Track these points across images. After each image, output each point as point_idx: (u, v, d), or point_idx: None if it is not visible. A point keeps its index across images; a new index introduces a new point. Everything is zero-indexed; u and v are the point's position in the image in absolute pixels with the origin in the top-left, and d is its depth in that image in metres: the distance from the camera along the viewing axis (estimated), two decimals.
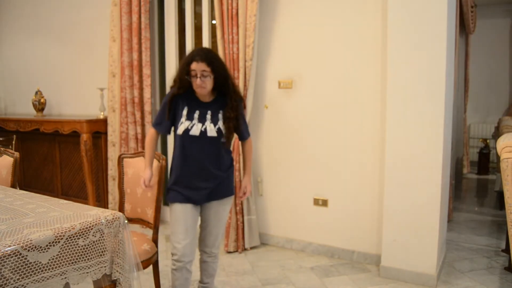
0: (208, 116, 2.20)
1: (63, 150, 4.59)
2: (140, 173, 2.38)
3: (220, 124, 2.21)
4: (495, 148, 2.18)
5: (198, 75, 2.11)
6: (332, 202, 3.25)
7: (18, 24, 5.30)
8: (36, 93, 4.83)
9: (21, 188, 2.44)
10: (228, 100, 2.23)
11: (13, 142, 4.82)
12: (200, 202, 2.27)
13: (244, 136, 2.35)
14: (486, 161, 6.52)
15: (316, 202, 3.33)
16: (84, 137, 3.99)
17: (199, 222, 2.35)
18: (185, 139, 2.20)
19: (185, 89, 2.21)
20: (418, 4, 2.65)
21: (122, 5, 3.90)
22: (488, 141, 6.48)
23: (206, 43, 3.74)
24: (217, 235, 2.36)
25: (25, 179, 5.04)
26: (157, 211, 2.38)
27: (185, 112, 2.20)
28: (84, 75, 4.66)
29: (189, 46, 3.87)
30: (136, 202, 2.49)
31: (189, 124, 2.19)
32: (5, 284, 1.30)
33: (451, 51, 2.96)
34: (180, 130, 2.20)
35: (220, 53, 3.33)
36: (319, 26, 3.18)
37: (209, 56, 2.16)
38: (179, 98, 2.23)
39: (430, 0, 2.61)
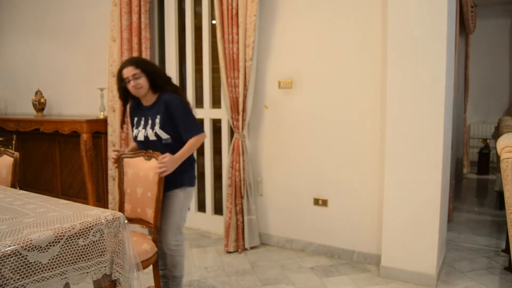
0: (149, 121, 2.42)
1: (63, 150, 4.59)
2: (140, 173, 2.39)
3: (157, 128, 2.38)
4: (495, 148, 2.18)
5: (130, 79, 2.34)
6: (332, 202, 3.26)
7: (18, 24, 5.30)
8: (36, 93, 4.83)
9: (21, 188, 2.44)
10: (165, 104, 2.40)
11: (13, 142, 4.82)
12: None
13: (184, 137, 2.40)
14: (486, 161, 6.52)
15: (316, 202, 3.33)
16: (84, 137, 3.99)
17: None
18: (137, 144, 2.51)
19: (126, 99, 2.47)
20: (418, 4, 2.65)
21: (122, 5, 3.90)
22: (488, 141, 6.48)
23: (206, 43, 3.74)
24: (167, 227, 2.42)
25: (25, 179, 5.04)
26: (157, 211, 2.37)
27: (134, 121, 2.50)
28: (84, 75, 4.66)
29: (189, 46, 3.87)
30: (136, 202, 2.48)
31: (136, 132, 2.47)
32: (5, 284, 1.30)
33: (451, 51, 2.96)
34: (133, 137, 2.50)
35: (220, 53, 3.34)
36: (319, 26, 3.18)
37: (135, 60, 2.43)
38: (132, 110, 2.55)
39: (430, 0, 2.61)
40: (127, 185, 2.52)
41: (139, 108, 2.50)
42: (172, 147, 2.38)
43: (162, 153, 2.31)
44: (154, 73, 2.41)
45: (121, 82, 2.39)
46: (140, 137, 2.44)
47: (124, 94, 2.44)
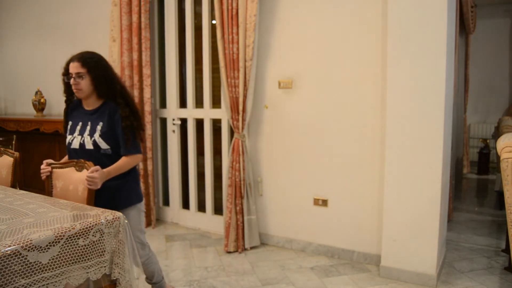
0: (87, 127, 2.15)
1: (63, 150, 4.55)
2: (69, 186, 2.20)
3: (96, 136, 2.12)
4: (495, 148, 2.18)
5: (73, 76, 2.09)
6: (332, 202, 3.25)
7: (18, 24, 5.30)
8: (36, 93, 4.83)
9: (21, 188, 2.44)
10: (111, 110, 2.13)
11: (13, 142, 4.82)
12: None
13: (122, 151, 2.14)
14: (486, 161, 6.52)
15: (316, 202, 3.33)
16: None
17: None
18: (69, 152, 2.21)
19: (71, 95, 2.22)
20: (418, 4, 2.65)
21: (122, 5, 3.90)
22: (488, 141, 6.48)
23: (206, 43, 3.74)
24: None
25: (25, 179, 5.04)
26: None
27: (68, 126, 2.22)
28: None
29: (189, 46, 3.87)
30: None
31: (70, 138, 2.20)
32: (5, 284, 1.30)
33: (451, 51, 2.96)
34: (67, 145, 2.22)
35: (220, 53, 3.33)
36: (319, 25, 3.18)
37: (86, 57, 2.12)
38: (68, 111, 2.28)
39: (430, 1, 2.61)
40: None
41: (77, 111, 2.23)
42: (112, 159, 2.13)
43: (98, 165, 2.04)
44: (102, 79, 2.12)
45: (65, 76, 2.15)
46: (75, 145, 2.16)
47: (68, 89, 2.18)
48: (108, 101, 2.18)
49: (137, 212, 2.28)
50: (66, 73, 2.14)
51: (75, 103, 2.28)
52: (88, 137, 2.13)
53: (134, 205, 2.25)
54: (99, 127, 2.13)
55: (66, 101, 2.29)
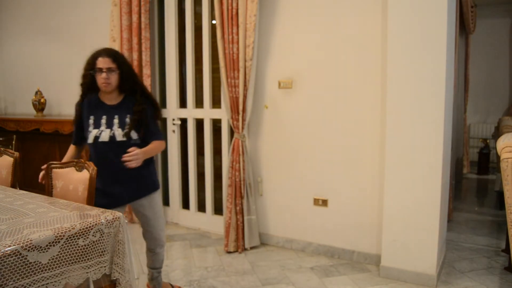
0: (116, 121, 2.24)
1: (63, 150, 4.54)
2: (69, 186, 2.23)
3: (127, 128, 2.24)
4: (495, 148, 2.18)
5: (105, 70, 2.17)
6: (332, 202, 3.25)
7: (18, 24, 5.30)
8: (36, 93, 4.83)
9: (21, 188, 2.44)
10: (135, 104, 2.27)
11: (13, 142, 4.82)
12: (123, 203, 2.35)
13: (151, 138, 2.31)
14: (486, 161, 6.52)
15: (316, 202, 3.33)
16: None
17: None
18: (95, 145, 2.25)
19: (88, 89, 2.27)
20: (418, 4, 2.65)
21: (122, 5, 3.90)
22: (488, 141, 6.48)
23: (206, 43, 3.74)
24: (157, 229, 2.47)
25: (25, 179, 5.04)
26: None
27: (91, 121, 2.25)
28: None
29: (189, 46, 3.87)
30: None
31: (97, 132, 2.23)
32: (5, 284, 1.30)
33: (451, 51, 2.96)
34: (90, 139, 2.24)
35: (220, 53, 3.33)
36: (319, 26, 3.18)
37: (114, 53, 2.25)
38: (83, 108, 2.31)
39: (430, 0, 2.61)
40: None
41: (97, 106, 2.28)
42: (141, 148, 2.22)
43: (119, 154, 2.14)
44: (129, 74, 2.27)
45: (91, 70, 2.19)
46: (104, 138, 2.22)
47: (91, 84, 2.25)
48: (129, 95, 2.30)
49: (159, 196, 2.47)
50: (92, 68, 2.20)
51: (91, 99, 2.31)
52: (119, 129, 2.23)
53: (157, 189, 2.44)
54: (127, 120, 2.24)
55: (82, 96, 2.32)
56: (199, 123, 3.93)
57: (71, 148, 2.45)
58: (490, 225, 4.08)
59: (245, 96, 3.30)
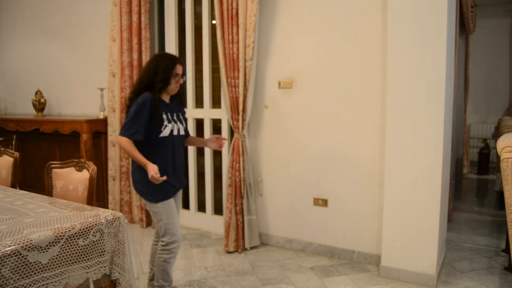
0: (175, 117, 2.49)
1: (63, 150, 4.59)
2: (69, 186, 2.26)
3: (184, 123, 2.55)
4: (495, 148, 2.18)
5: (183, 75, 2.46)
6: (332, 202, 3.25)
7: (18, 24, 5.30)
8: (36, 93, 4.83)
9: (21, 188, 2.44)
10: (180, 101, 2.61)
11: (13, 142, 4.82)
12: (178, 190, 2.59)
13: (189, 133, 2.70)
14: (486, 161, 6.52)
15: (316, 202, 3.33)
16: (84, 137, 3.99)
17: None
18: (171, 140, 2.42)
19: (159, 89, 2.41)
20: (418, 4, 2.65)
21: (122, 5, 3.90)
22: (488, 141, 6.48)
23: (206, 43, 3.74)
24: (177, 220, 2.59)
25: (25, 179, 5.04)
26: None
27: (165, 116, 2.40)
28: (84, 75, 4.66)
29: (189, 46, 3.87)
30: None
31: (172, 126, 2.43)
32: (5, 284, 1.30)
33: (451, 51, 2.96)
34: (166, 133, 2.38)
35: (220, 53, 3.33)
36: (319, 26, 3.18)
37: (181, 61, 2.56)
38: (160, 105, 2.44)
39: (430, 0, 2.61)
40: None
41: (163, 104, 2.44)
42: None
43: (182, 149, 2.51)
44: None
45: (172, 74, 2.40)
46: (181, 131, 2.49)
47: (173, 86, 2.45)
48: (173, 96, 2.54)
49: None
50: (171, 73, 2.40)
51: (156, 99, 2.39)
52: (181, 125, 2.52)
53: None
54: (185, 117, 2.59)
55: (156, 96, 2.40)
56: (199, 123, 3.93)
57: (130, 142, 2.29)
58: (490, 225, 4.08)
59: (245, 96, 3.30)
